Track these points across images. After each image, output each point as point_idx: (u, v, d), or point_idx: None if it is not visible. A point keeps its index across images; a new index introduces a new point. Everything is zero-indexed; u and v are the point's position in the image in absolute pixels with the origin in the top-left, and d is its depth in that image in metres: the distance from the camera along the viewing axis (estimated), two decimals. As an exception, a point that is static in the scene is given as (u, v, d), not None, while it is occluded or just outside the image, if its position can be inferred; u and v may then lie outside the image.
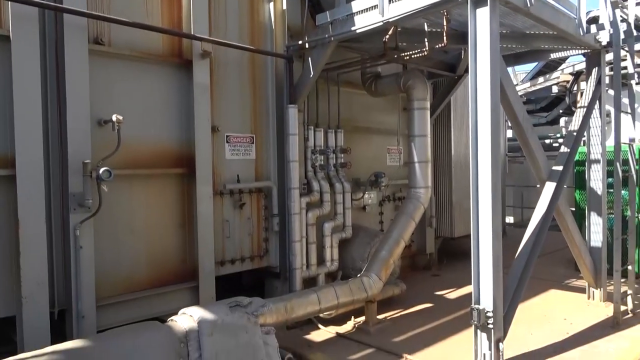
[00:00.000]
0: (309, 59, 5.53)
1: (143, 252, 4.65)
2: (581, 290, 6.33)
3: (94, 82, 4.22)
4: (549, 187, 4.94)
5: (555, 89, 13.25)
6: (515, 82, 14.15)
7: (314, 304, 4.61)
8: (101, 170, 3.95)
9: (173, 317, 3.76)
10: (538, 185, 9.69)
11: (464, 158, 8.17)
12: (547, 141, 13.94)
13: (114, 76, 4.43)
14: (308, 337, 5.00)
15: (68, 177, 4.00)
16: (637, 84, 6.84)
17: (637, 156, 6.91)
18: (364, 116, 7.06)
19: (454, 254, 8.35)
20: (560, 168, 5.06)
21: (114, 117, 4.07)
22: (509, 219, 12.56)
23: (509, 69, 15.54)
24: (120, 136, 4.13)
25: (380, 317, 5.45)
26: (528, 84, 12.40)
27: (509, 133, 17.25)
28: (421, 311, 5.84)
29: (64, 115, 4.01)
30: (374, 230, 6.56)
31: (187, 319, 3.69)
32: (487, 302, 3.98)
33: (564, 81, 10.59)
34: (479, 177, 4.04)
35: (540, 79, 11.99)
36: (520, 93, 12.63)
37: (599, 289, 5.94)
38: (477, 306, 3.99)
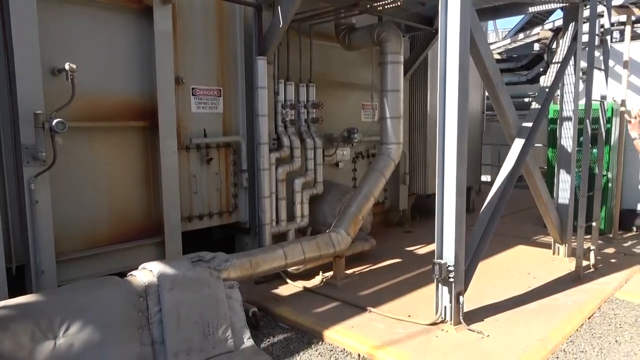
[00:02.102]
0: (279, 7, 5.27)
1: (105, 207, 4.54)
2: (547, 246, 6.47)
3: (46, 29, 3.96)
4: (518, 144, 4.92)
5: (536, 47, 13.09)
6: (496, 39, 13.94)
7: (280, 259, 4.61)
8: (54, 121, 3.77)
9: (132, 272, 3.71)
10: None
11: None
12: (527, 100, 13.92)
13: (69, 23, 4.17)
14: (276, 291, 5.03)
15: (19, 129, 3.82)
16: (614, 41, 6.74)
17: (608, 114, 6.94)
18: (338, 70, 6.87)
19: (427, 211, 8.40)
20: (530, 125, 5.03)
21: (67, 66, 3.83)
22: (486, 177, 12.68)
23: (490, 23, 15.24)
24: (75, 86, 3.91)
25: (348, 272, 5.51)
26: (508, 41, 12.21)
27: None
28: (390, 266, 5.91)
29: (12, 62, 3.78)
30: (346, 187, 6.53)
31: (146, 273, 3.64)
32: (449, 256, 4.02)
33: (544, 38, 10.44)
34: (445, 134, 3.98)
35: (521, 36, 11.81)
36: (500, 50, 12.46)
37: (564, 245, 6.07)
38: (439, 260, 4.03)
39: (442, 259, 4.06)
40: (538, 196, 5.53)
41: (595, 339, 3.94)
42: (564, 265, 5.80)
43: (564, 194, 5.92)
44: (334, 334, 4.00)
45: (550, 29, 10.40)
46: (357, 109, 7.30)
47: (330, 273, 5.34)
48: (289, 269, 5.12)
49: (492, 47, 12.58)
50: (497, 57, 12.51)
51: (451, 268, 3.97)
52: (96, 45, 4.37)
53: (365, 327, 4.13)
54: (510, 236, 7.30)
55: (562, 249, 6.10)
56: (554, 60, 5.58)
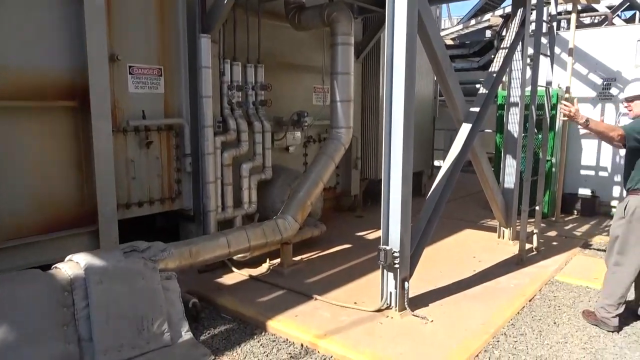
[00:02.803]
0: (223, -18, 5.00)
1: (31, 194, 4.19)
2: (493, 229, 6.59)
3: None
4: (465, 129, 4.92)
5: (488, 34, 13.29)
6: (450, 26, 14.03)
7: (222, 247, 4.42)
8: (-35, 100, 3.40)
9: (57, 265, 3.43)
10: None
11: (392, 99, 8.05)
12: (478, 86, 14.16)
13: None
14: (220, 280, 4.85)
15: None
16: (562, 29, 6.84)
17: (553, 101, 7.09)
18: (289, 51, 6.66)
19: (380, 196, 8.41)
20: (477, 109, 5.03)
21: (-21, 38, 3.46)
22: (439, 162, 12.85)
23: (444, 10, 15.28)
24: (-11, 61, 3.55)
25: (296, 258, 5.40)
26: (460, 27, 12.31)
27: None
28: (339, 252, 5.85)
29: None
30: (296, 172, 6.38)
31: (72, 265, 3.38)
32: (394, 242, 3.96)
33: (495, 25, 10.58)
34: (392, 118, 3.89)
35: (473, 22, 11.93)
36: (453, 36, 12.56)
37: (509, 229, 6.19)
38: (384, 247, 3.96)
39: (387, 245, 4.00)
40: (484, 181, 5.59)
41: (535, 322, 4.01)
42: (509, 248, 5.92)
43: (510, 178, 6.02)
44: (277, 324, 3.88)
45: (500, 16, 10.55)
46: (309, 92, 7.13)
47: (278, 260, 5.21)
48: (235, 257, 4.95)
49: (444, 32, 12.67)
50: (450, 43, 12.60)
51: (396, 254, 3.92)
52: (18, 16, 3.96)
53: (310, 315, 4.04)
54: (458, 220, 7.41)
55: (507, 232, 6.22)
56: (502, 46, 5.60)
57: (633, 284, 3.96)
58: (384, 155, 3.93)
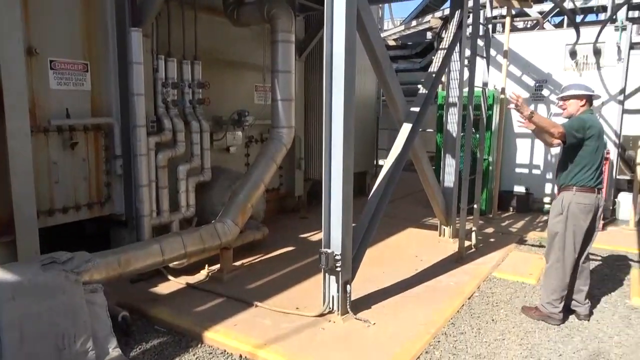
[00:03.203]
0: (154, -27, 4.71)
1: None
2: (435, 228, 6.69)
3: None
4: (405, 129, 4.92)
5: (429, 35, 13.58)
6: (392, 27, 14.22)
7: (155, 255, 4.16)
8: None
9: (-39, 281, 3.06)
10: (420, 129, 10.00)
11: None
12: (419, 86, 14.46)
13: None
14: (154, 290, 4.57)
15: None
16: (497, 33, 7.04)
17: (489, 101, 7.31)
18: (228, 48, 6.43)
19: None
20: (417, 109, 5.05)
21: None
22: (382, 162, 13.02)
23: (386, 12, 15.48)
24: None
25: (237, 264, 5.21)
26: (402, 27, 12.51)
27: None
28: (282, 255, 5.71)
29: None
30: (237, 173, 6.16)
31: (-21, 282, 3.03)
32: (336, 245, 3.87)
33: (435, 26, 10.83)
34: (332, 117, 3.80)
35: (414, 23, 12.16)
36: (395, 36, 12.74)
37: (449, 227, 6.30)
38: (325, 250, 3.87)
39: (329, 247, 3.91)
40: (425, 180, 5.64)
41: (474, 319, 4.06)
42: (449, 246, 6.02)
43: (450, 177, 6.13)
44: (215, 335, 3.68)
45: (440, 18, 10.80)
46: (250, 91, 6.93)
47: (218, 266, 4.99)
48: (171, 264, 4.69)
49: (386, 33, 12.83)
50: (392, 43, 12.77)
51: (338, 257, 3.84)
52: None
53: (250, 324, 3.87)
54: (401, 219, 7.48)
55: (448, 230, 6.34)
56: (440, 47, 5.67)
57: None
58: (324, 155, 3.83)
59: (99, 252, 3.81)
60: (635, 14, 12.06)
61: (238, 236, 5.24)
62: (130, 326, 3.82)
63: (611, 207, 7.75)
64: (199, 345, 3.63)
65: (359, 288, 4.42)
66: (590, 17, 12.76)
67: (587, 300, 4.14)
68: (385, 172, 4.63)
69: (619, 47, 7.41)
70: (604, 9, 11.01)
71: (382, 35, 10.45)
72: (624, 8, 9.31)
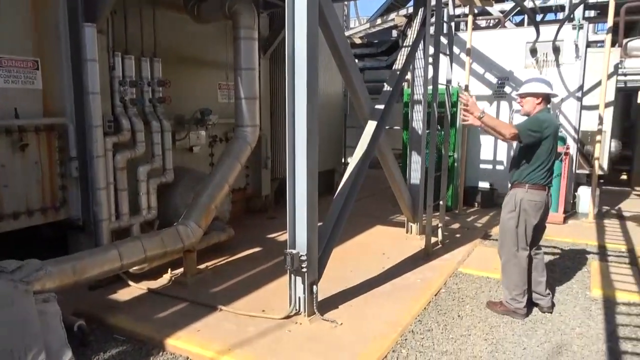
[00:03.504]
0: (108, -34, 4.52)
1: None
2: (402, 225, 6.71)
3: None
4: (370, 126, 4.90)
5: (395, 33, 13.67)
6: (357, 24, 14.24)
7: (113, 261, 3.99)
8: None
9: None
10: (387, 127, 10.05)
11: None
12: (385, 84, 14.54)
13: None
14: (114, 296, 4.39)
15: None
16: (461, 31, 7.12)
17: (454, 98, 7.39)
18: (190, 45, 6.25)
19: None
20: (382, 107, 5.04)
21: None
22: (349, 159, 13.05)
23: (352, 10, 15.50)
24: None
25: (202, 266, 5.07)
26: (367, 25, 12.54)
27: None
28: (248, 256, 5.60)
29: None
30: (201, 173, 6.01)
31: None
32: (301, 245, 3.80)
33: (400, 24, 10.90)
34: (295, 114, 3.72)
35: (379, 21, 12.21)
36: (361, 34, 12.76)
37: (416, 224, 6.33)
38: (291, 251, 3.79)
39: (294, 248, 3.84)
40: (391, 177, 5.64)
41: (440, 316, 4.07)
42: (416, 243, 6.04)
43: (416, 174, 6.15)
44: (177, 341, 3.55)
45: (404, 16, 10.87)
46: (213, 89, 6.78)
47: (181, 270, 4.84)
48: (131, 270, 4.51)
49: (352, 31, 12.84)
50: (359, 41, 12.79)
51: (304, 257, 3.77)
52: None
53: (214, 328, 3.76)
54: (369, 217, 7.48)
55: (415, 227, 6.37)
56: (404, 44, 5.67)
57: None
58: (288, 153, 3.76)
59: (52, 260, 3.62)
60: (592, 13, 12.49)
61: (202, 238, 5.11)
62: (88, 336, 3.65)
63: (572, 201, 7.97)
64: (161, 353, 3.49)
65: (326, 288, 4.37)
66: (550, 17, 13.13)
67: (547, 292, 4.20)
68: (350, 171, 4.59)
69: (576, 45, 7.62)
70: (562, 8, 11.33)
71: (348, 33, 10.44)
72: (581, 7, 9.62)
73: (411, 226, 6.45)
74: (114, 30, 5.07)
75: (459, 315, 4.09)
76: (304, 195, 3.73)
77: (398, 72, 5.34)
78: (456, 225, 7.04)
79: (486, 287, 4.75)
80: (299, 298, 3.92)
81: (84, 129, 4.70)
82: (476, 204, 8.40)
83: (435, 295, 4.50)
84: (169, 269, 4.81)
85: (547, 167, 3.98)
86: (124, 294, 4.44)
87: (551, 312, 4.16)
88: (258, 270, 5.11)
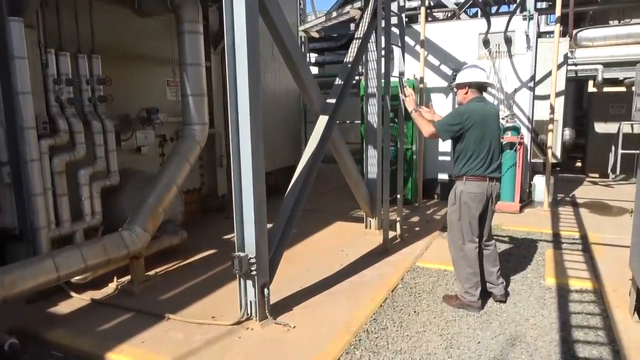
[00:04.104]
0: (33, -45, 4.19)
1: None
2: (362, 220, 6.63)
3: None
4: (322, 121, 4.77)
5: (353, 27, 13.58)
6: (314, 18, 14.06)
7: (48, 272, 3.71)
8: None
9: None
10: (349, 122, 9.95)
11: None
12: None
13: None
14: (53, 309, 4.12)
15: None
16: (418, 22, 7.05)
17: (409, 91, 7.34)
18: (134, 41, 5.95)
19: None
20: (333, 101, 4.91)
21: None
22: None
23: (308, 5, 15.24)
24: None
25: (151, 273, 4.83)
26: (323, 19, 12.38)
27: (314, 70, 17.54)
28: (202, 259, 5.40)
29: None
30: (150, 175, 5.72)
31: None
32: (250, 248, 3.64)
33: (356, 17, 10.79)
34: (238, 110, 3.54)
35: (334, 14, 12.06)
36: (317, 28, 12.59)
37: (375, 219, 6.26)
38: (239, 253, 3.63)
39: (243, 250, 3.67)
40: (347, 173, 5.54)
41: (396, 313, 4.00)
42: (375, 238, 5.97)
43: (372, 169, 6.07)
44: (119, 355, 3.34)
45: (359, 8, 10.74)
46: (162, 86, 6.50)
47: (129, 277, 4.60)
48: (73, 279, 4.24)
49: (307, 25, 12.64)
50: (316, 35, 12.62)
51: (253, 260, 3.61)
52: None
53: (160, 339, 3.56)
54: (329, 213, 7.39)
55: (373, 222, 6.30)
56: (355, 36, 5.56)
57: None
58: (232, 152, 3.58)
59: (-25, 275, 3.33)
60: (544, 5, 12.77)
61: (152, 242, 4.89)
62: (20, 355, 3.38)
63: (528, 190, 8.10)
64: (101, 370, 3.28)
65: (280, 289, 4.23)
66: (504, 9, 13.34)
67: (500, 280, 4.15)
68: (302, 167, 4.44)
69: (527, 36, 7.71)
70: (514, 0, 11.51)
71: (303, 27, 10.27)
72: (532, -1, 9.78)
73: (370, 221, 6.38)
74: (45, 25, 4.73)
75: (415, 311, 4.02)
76: (251, 194, 3.57)
77: (349, 65, 5.23)
78: (416, 219, 7.02)
79: (443, 280, 4.72)
80: (250, 302, 3.76)
81: (15, 132, 4.38)
82: (436, 195, 8.43)
83: (392, 291, 4.43)
84: (115, 278, 4.56)
85: (480, 157, 3.91)
86: (64, 307, 4.17)
87: (504, 301, 4.15)
88: (211, 273, 4.92)
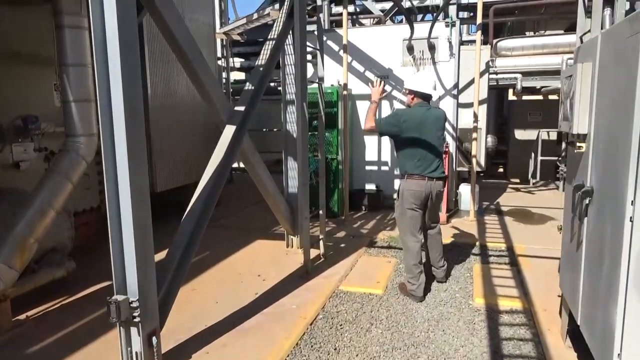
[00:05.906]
0: None
1: None
2: (284, 238, 6.08)
3: None
4: (229, 132, 4.18)
5: (279, 31, 13.07)
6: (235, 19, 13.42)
7: None
8: None
9: None
10: (270, 129, 9.34)
11: (165, 98, 7.01)
12: (272, 84, 13.94)
13: None
14: None
15: None
16: (334, 26, 6.65)
17: (334, 98, 6.96)
18: (7, 37, 5.03)
19: (162, 210, 7.26)
20: (242, 108, 4.34)
21: None
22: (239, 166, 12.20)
23: (230, 10, 14.68)
24: None
25: (22, 317, 3.99)
26: (244, 20, 11.77)
27: (239, 75, 16.84)
28: (92, 295, 4.59)
29: None
30: (30, 195, 4.83)
31: None
32: (132, 290, 2.97)
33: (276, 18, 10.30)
34: (114, 120, 2.87)
35: (255, 15, 11.51)
36: (239, 31, 11.97)
37: (297, 236, 5.74)
38: (116, 297, 2.94)
39: (124, 293, 2.99)
40: (263, 188, 4.98)
41: (314, 352, 3.48)
42: (297, 258, 5.45)
43: (293, 182, 5.55)
44: None
45: (279, 10, 10.28)
46: (48, 91, 5.58)
47: (-11, 325, 3.73)
48: None
49: (227, 28, 11.99)
50: (238, 38, 11.99)
51: (135, 304, 2.94)
52: None
53: (12, 413, 2.79)
54: (252, 229, 6.80)
55: (295, 240, 5.78)
56: (269, 37, 5.04)
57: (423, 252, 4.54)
58: (105, 170, 2.89)
59: None
60: (465, 15, 12.99)
61: (26, 279, 4.08)
62: None
63: (454, 199, 7.97)
64: None
65: (179, 330, 3.60)
66: (429, 17, 13.46)
67: (443, 262, 4.65)
68: (203, 186, 3.82)
69: (450, 43, 7.58)
70: (438, 8, 11.58)
71: (223, 29, 9.63)
72: (455, 7, 9.81)
73: (292, 239, 5.85)
74: None
75: (335, 349, 3.52)
76: (130, 223, 2.90)
77: (261, 69, 4.69)
78: (342, 234, 6.59)
79: (367, 306, 4.27)
80: (136, 354, 3.08)
81: None
82: (363, 207, 8.08)
83: (311, 324, 3.91)
84: (-30, 327, 3.68)
85: (417, 158, 4.23)
86: None
87: (445, 281, 4.72)
88: (100, 313, 4.14)
